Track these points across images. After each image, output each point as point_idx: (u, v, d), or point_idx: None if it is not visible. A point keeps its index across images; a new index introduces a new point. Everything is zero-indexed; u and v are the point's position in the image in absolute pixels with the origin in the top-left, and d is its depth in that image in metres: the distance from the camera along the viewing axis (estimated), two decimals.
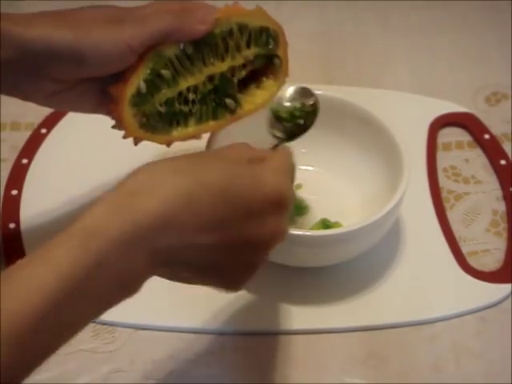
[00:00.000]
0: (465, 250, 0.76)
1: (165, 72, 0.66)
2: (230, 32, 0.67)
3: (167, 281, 0.55)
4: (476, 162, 0.84)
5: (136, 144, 0.68)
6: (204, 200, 0.53)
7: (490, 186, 0.82)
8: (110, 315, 0.51)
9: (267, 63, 0.71)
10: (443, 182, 0.82)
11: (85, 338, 0.69)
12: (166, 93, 0.67)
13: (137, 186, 0.52)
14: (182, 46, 0.65)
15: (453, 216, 0.79)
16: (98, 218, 0.50)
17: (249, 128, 0.69)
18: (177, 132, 0.69)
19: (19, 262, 0.48)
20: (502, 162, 0.83)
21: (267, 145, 0.67)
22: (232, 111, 0.70)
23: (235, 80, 0.70)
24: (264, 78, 0.72)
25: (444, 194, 0.81)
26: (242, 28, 0.68)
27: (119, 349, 0.69)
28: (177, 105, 0.68)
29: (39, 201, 0.79)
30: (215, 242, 0.54)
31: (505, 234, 0.78)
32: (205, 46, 0.66)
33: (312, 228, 0.75)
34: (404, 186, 0.71)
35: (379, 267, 0.74)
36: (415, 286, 0.73)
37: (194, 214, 0.52)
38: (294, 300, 0.72)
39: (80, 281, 0.47)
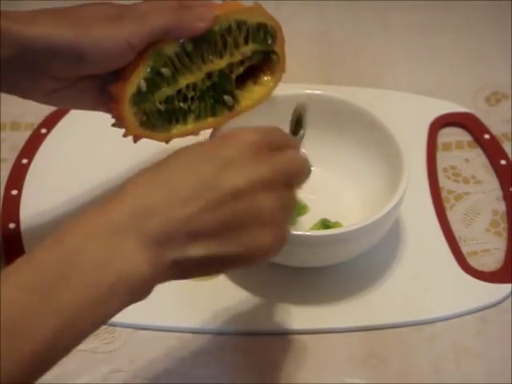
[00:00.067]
0: (465, 250, 0.76)
1: (165, 70, 0.66)
2: (229, 29, 0.67)
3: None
4: (476, 162, 0.84)
5: (136, 142, 0.68)
6: (174, 174, 0.53)
7: (489, 186, 0.82)
8: None
9: (264, 59, 0.71)
10: (443, 182, 0.82)
11: None
12: (166, 91, 0.67)
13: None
14: (181, 42, 0.66)
15: (453, 216, 0.79)
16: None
17: (249, 125, 0.69)
18: (176, 129, 0.69)
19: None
20: (502, 161, 0.83)
21: None
22: (230, 108, 0.71)
23: (233, 76, 0.70)
24: (261, 74, 0.72)
25: (444, 194, 0.81)
26: (240, 24, 0.68)
27: (119, 349, 0.69)
28: (176, 102, 0.68)
29: (39, 201, 0.79)
30: (208, 204, 0.52)
31: (505, 234, 0.78)
32: (204, 43, 0.67)
33: (312, 228, 0.75)
34: (404, 185, 0.71)
35: (379, 267, 0.74)
36: (415, 286, 0.73)
37: (169, 188, 0.52)
38: (294, 300, 0.72)
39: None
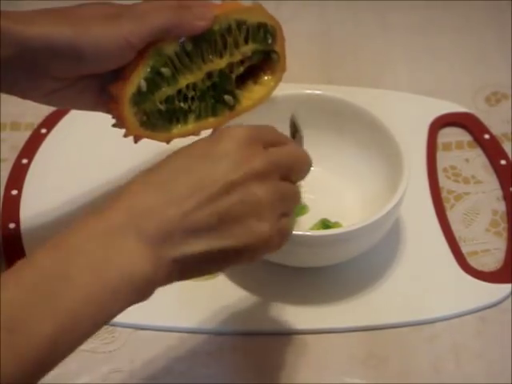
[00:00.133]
0: (465, 250, 0.76)
1: (165, 70, 0.66)
2: (229, 28, 0.68)
3: None
4: (476, 162, 0.84)
5: (136, 142, 0.68)
6: (171, 176, 0.53)
7: (489, 186, 0.82)
8: None
9: (265, 59, 0.71)
10: (443, 182, 0.82)
11: None
12: (166, 91, 0.67)
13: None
14: (181, 43, 0.66)
15: (453, 216, 0.79)
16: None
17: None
18: (177, 129, 0.69)
19: None
20: (502, 161, 0.83)
21: None
22: (231, 107, 0.71)
23: (233, 76, 0.70)
24: (262, 74, 0.72)
25: (444, 194, 0.81)
26: (239, 24, 0.68)
27: (119, 349, 0.69)
28: (176, 102, 0.68)
29: (39, 201, 0.79)
30: (203, 200, 0.53)
31: (505, 234, 0.78)
32: (204, 43, 0.67)
33: (312, 228, 0.75)
34: (404, 185, 0.71)
35: (379, 267, 0.74)
36: (415, 286, 0.73)
37: (166, 189, 0.53)
38: (294, 300, 0.72)
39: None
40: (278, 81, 0.73)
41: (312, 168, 0.61)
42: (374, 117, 0.76)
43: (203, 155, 0.55)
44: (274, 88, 0.73)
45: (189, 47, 0.66)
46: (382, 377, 0.68)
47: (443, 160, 0.84)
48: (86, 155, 0.83)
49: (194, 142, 0.57)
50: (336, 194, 0.79)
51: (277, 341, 0.70)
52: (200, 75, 0.68)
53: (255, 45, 0.70)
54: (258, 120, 0.70)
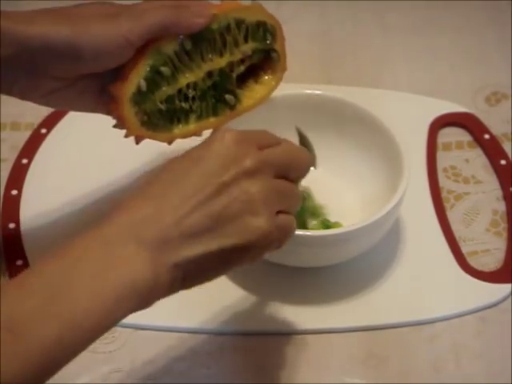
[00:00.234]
0: (465, 249, 0.76)
1: (164, 69, 0.66)
2: (228, 27, 0.68)
3: None
4: (476, 162, 0.84)
5: (138, 143, 0.68)
6: (165, 187, 0.54)
7: (489, 186, 0.82)
8: None
9: (265, 58, 0.71)
10: (443, 182, 0.82)
11: None
12: (166, 90, 0.67)
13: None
14: (180, 41, 0.66)
15: (453, 216, 0.79)
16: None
17: (249, 125, 0.69)
18: (178, 129, 0.69)
19: None
20: (502, 161, 0.83)
21: None
22: (232, 107, 0.71)
23: (234, 75, 0.70)
24: (262, 73, 0.72)
25: (444, 194, 0.81)
26: (239, 23, 0.68)
27: (119, 349, 0.69)
28: (177, 102, 0.68)
29: (39, 201, 0.79)
30: (196, 204, 0.54)
31: (505, 234, 0.78)
32: (203, 41, 0.67)
33: (312, 228, 0.75)
34: (404, 186, 0.71)
35: (379, 267, 0.74)
36: (415, 286, 0.73)
37: (161, 200, 0.54)
38: (294, 300, 0.72)
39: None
40: (278, 80, 0.73)
41: (312, 168, 0.61)
42: (374, 117, 0.76)
43: (196, 159, 0.56)
44: (274, 87, 0.73)
45: (188, 46, 0.66)
46: (381, 377, 0.68)
47: (443, 160, 0.84)
48: (86, 155, 0.83)
49: (186, 152, 0.57)
50: (336, 194, 0.79)
51: (277, 341, 0.70)
52: (200, 74, 0.68)
53: (255, 43, 0.70)
54: (258, 120, 0.70)
